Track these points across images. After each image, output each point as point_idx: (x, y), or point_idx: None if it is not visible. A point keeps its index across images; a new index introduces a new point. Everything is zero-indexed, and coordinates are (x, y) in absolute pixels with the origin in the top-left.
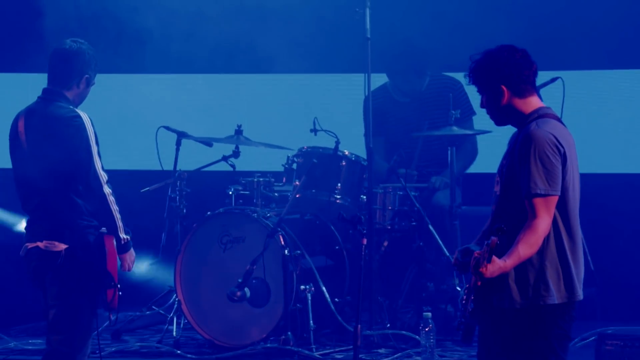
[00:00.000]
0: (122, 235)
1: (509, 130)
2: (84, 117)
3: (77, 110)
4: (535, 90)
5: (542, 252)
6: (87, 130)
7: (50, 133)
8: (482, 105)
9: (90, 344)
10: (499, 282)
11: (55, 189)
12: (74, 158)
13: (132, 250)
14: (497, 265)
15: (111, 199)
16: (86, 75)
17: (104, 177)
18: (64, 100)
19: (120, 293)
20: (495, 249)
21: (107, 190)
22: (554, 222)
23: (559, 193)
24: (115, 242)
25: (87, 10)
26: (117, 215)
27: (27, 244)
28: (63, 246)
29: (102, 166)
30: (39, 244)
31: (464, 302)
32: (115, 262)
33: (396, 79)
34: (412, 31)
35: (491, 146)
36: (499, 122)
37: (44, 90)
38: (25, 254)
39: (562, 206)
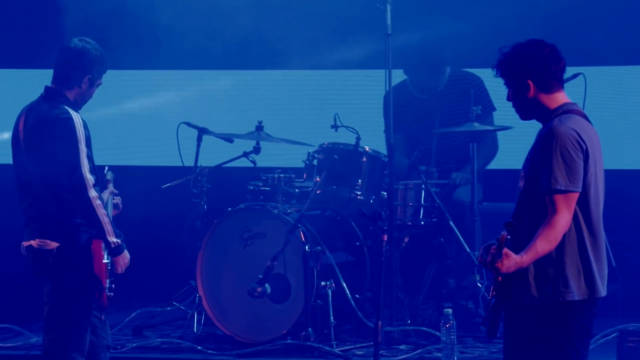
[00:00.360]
0: (112, 240)
1: (530, 127)
2: (76, 118)
3: (70, 111)
4: (562, 86)
5: (562, 248)
6: (77, 131)
7: (42, 132)
8: (509, 99)
9: (87, 342)
10: (519, 278)
11: (46, 187)
12: (62, 159)
13: (125, 252)
14: (513, 260)
15: (97, 203)
16: (88, 76)
17: (90, 180)
18: (62, 99)
19: (110, 294)
20: (509, 244)
21: (92, 194)
22: (575, 218)
23: (580, 189)
24: (104, 246)
25: (106, 6)
26: (105, 220)
27: (23, 243)
28: (54, 244)
29: (91, 169)
30: (32, 242)
31: (488, 297)
32: (102, 266)
33: (411, 76)
34: (432, 27)
35: (512, 142)
36: (524, 116)
37: (45, 88)
38: (25, 252)
39: (584, 202)
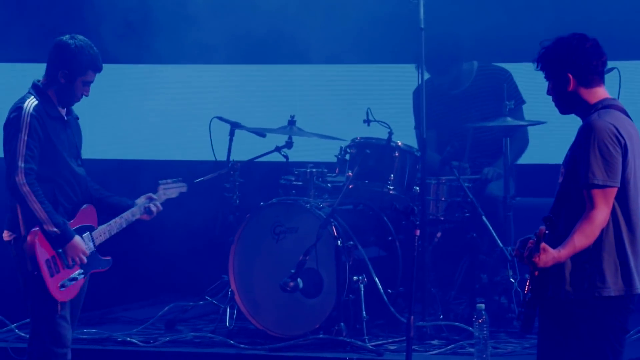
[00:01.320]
0: (49, 228)
1: (563, 122)
2: (26, 108)
3: (25, 102)
4: (602, 81)
5: (599, 243)
6: (22, 121)
7: (3, 125)
8: (549, 92)
9: (62, 332)
10: (555, 273)
11: (6, 178)
12: (8, 148)
13: (73, 241)
14: (551, 254)
15: (25, 189)
16: (64, 71)
17: (20, 168)
18: (34, 91)
19: (68, 284)
20: (547, 239)
21: (20, 180)
22: (613, 214)
23: (619, 184)
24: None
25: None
26: (36, 207)
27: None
28: (13, 235)
29: (26, 156)
30: (3, 234)
31: (523, 292)
32: (41, 256)
33: (430, 72)
34: (464, 21)
35: (545, 137)
36: (563, 110)
37: (32, 83)
38: None
39: (622, 198)
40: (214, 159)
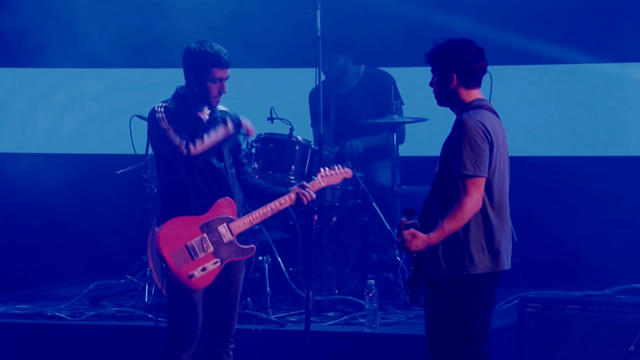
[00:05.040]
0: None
1: (445, 119)
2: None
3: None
4: (479, 84)
5: (467, 227)
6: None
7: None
8: (431, 84)
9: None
10: (431, 254)
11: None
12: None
13: None
14: (421, 239)
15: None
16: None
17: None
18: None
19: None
20: (423, 224)
21: (189, 149)
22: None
23: (487, 175)
24: None
25: None
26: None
27: None
28: None
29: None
30: None
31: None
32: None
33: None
34: (355, 29)
35: (428, 132)
36: (441, 102)
37: None
38: None
39: (489, 187)
40: (134, 153)
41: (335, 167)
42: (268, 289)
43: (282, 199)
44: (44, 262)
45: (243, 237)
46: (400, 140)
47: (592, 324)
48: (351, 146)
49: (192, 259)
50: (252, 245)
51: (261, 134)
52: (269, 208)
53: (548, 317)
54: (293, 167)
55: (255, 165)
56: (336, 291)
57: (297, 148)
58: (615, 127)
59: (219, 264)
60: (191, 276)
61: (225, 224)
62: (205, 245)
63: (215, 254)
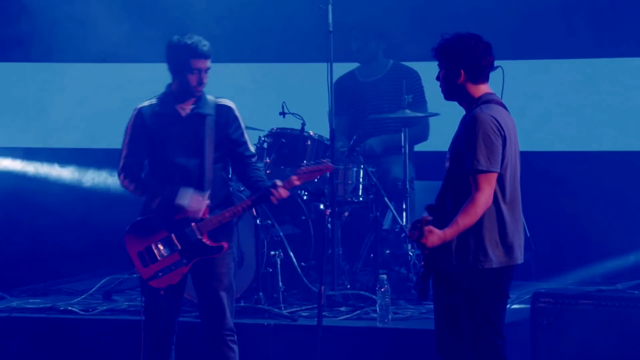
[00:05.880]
0: None
1: (457, 115)
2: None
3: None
4: (487, 79)
5: (481, 222)
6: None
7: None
8: (438, 78)
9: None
10: (444, 249)
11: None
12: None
13: None
14: (437, 235)
15: None
16: None
17: None
18: None
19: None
20: (436, 219)
21: None
22: (494, 196)
23: (499, 170)
24: None
25: None
26: None
27: None
28: None
29: None
30: None
31: (418, 266)
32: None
33: (356, 44)
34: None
35: (440, 127)
36: (448, 97)
37: None
38: None
39: (502, 182)
40: None
41: (321, 162)
42: (280, 283)
43: (254, 197)
44: (57, 256)
45: (217, 234)
46: (424, 136)
47: (605, 319)
48: (365, 146)
49: (158, 258)
50: (222, 243)
51: (273, 129)
52: (239, 207)
53: (560, 312)
54: (305, 162)
55: (267, 160)
56: (348, 286)
57: (309, 143)
58: (628, 122)
59: (185, 262)
60: (156, 275)
61: (194, 222)
62: (171, 245)
63: (181, 253)
